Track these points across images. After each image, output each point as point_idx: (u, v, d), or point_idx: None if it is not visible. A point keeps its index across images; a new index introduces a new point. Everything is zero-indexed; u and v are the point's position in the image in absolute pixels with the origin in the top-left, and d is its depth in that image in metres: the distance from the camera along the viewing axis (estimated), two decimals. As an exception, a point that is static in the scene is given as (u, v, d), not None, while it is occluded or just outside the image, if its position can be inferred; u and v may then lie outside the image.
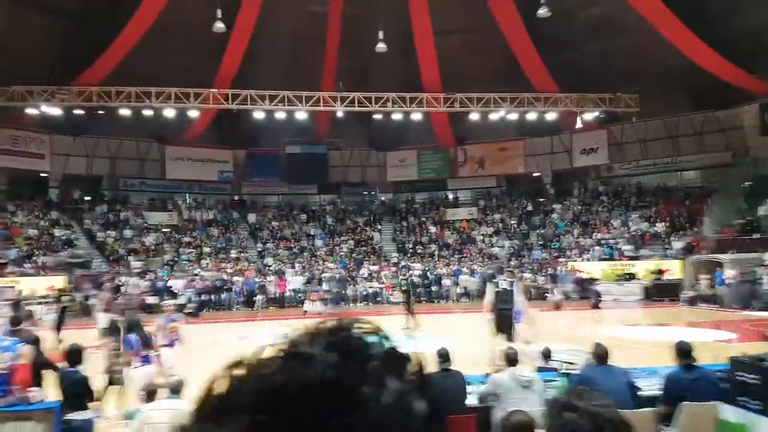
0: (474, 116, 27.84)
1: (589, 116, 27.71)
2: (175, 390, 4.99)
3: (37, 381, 5.90)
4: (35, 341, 6.17)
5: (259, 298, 24.38)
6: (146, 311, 23.82)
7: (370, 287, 26.27)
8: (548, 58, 26.16)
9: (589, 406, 1.20)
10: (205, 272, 26.23)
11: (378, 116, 27.70)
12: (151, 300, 24.44)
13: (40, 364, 6.07)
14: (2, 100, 24.13)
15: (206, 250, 29.23)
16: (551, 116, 27.83)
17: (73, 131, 29.25)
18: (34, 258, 25.09)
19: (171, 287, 24.36)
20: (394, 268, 27.96)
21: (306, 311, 19.94)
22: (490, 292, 9.87)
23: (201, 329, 17.80)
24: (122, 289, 24.53)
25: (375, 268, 27.96)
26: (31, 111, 25.03)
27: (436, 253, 30.22)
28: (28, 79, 23.95)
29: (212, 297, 24.21)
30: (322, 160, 33.74)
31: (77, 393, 5.53)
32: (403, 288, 18.14)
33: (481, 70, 27.20)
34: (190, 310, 21.14)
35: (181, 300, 24.07)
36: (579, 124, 28.02)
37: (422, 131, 30.82)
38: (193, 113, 26.57)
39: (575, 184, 33.14)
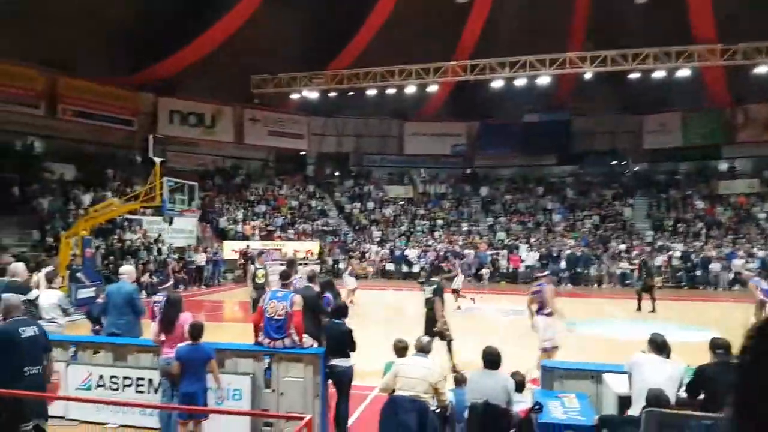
0: (761, 70, 22.87)
1: None
2: (424, 349, 5.35)
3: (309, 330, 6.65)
4: (316, 295, 7.08)
5: (485, 271, 24.26)
6: (385, 277, 26.08)
7: (619, 268, 23.93)
8: None
9: None
10: (438, 244, 27.14)
11: (633, 76, 24.70)
12: (390, 267, 26.44)
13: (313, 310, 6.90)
14: (271, 87, 28.36)
15: (439, 222, 30.21)
16: None
17: (327, 113, 33.04)
18: (296, 225, 29.17)
19: (407, 256, 25.83)
20: (648, 248, 24.93)
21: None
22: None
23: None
24: (366, 255, 27.11)
25: (623, 246, 25.35)
26: (293, 96, 28.86)
27: (703, 232, 26.01)
28: (288, 68, 27.69)
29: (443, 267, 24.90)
30: (563, 128, 31.68)
31: (341, 342, 6.14)
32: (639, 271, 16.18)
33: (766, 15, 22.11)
34: (422, 279, 22.03)
35: (415, 269, 25.55)
36: None
37: (688, 91, 26.53)
38: (432, 88, 27.36)
39: None
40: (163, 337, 6.10)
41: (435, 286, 9.04)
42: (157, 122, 28.28)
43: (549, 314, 8.41)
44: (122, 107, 26.49)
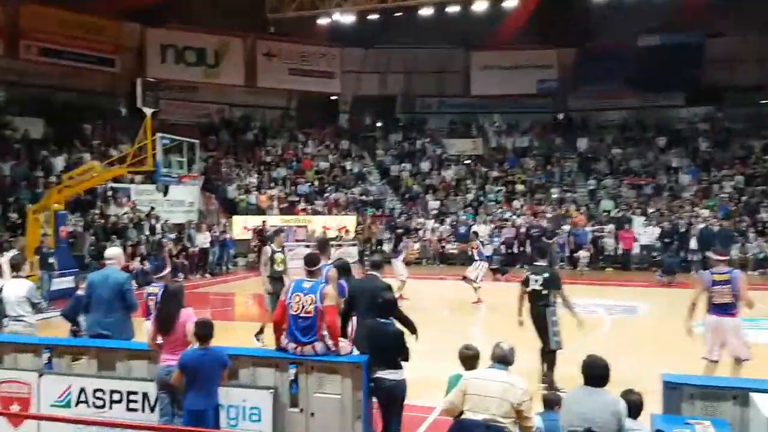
0: None
1: None
2: (504, 358, 5.27)
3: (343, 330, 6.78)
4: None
5: (583, 254, 23.90)
6: (445, 263, 26.10)
7: (768, 247, 23.14)
8: None
9: None
10: (518, 217, 26.86)
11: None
12: (452, 249, 26.42)
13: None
14: (291, 10, 28.31)
15: (519, 187, 29.88)
16: None
17: (365, 43, 32.93)
18: (326, 194, 29.44)
19: (476, 233, 25.68)
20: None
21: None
22: None
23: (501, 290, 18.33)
24: (419, 234, 27.15)
25: (774, 218, 24.42)
26: (321, 21, 28.72)
27: None
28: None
29: (524, 249, 24.67)
30: (695, 55, 30.49)
31: (388, 348, 6.17)
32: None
33: None
34: (496, 266, 21.94)
35: (486, 251, 25.42)
36: None
37: None
38: (510, 3, 26.68)
39: None
40: (160, 340, 6.27)
41: (547, 274, 8.93)
42: (146, 61, 28.93)
43: (734, 313, 8.16)
44: (101, 42, 27.17)
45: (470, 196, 29.73)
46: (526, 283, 8.98)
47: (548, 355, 8.79)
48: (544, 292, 8.80)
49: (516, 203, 28.64)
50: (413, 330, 7.08)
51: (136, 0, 26.74)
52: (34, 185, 20.76)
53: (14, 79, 25.50)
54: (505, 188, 30.08)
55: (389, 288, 7.17)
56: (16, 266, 8.07)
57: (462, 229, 26.10)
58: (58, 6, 25.32)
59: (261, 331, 10.99)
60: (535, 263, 9.43)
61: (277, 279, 10.88)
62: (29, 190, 20.41)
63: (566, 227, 25.31)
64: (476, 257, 17.17)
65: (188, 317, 6.18)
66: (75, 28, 26.15)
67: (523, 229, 25.45)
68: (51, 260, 16.32)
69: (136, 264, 18.90)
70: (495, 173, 31.31)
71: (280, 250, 11.33)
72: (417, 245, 26.11)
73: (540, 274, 8.93)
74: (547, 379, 8.68)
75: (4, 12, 24.07)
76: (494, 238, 25.40)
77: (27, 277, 8.34)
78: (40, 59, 25.24)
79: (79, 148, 23.89)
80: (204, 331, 5.77)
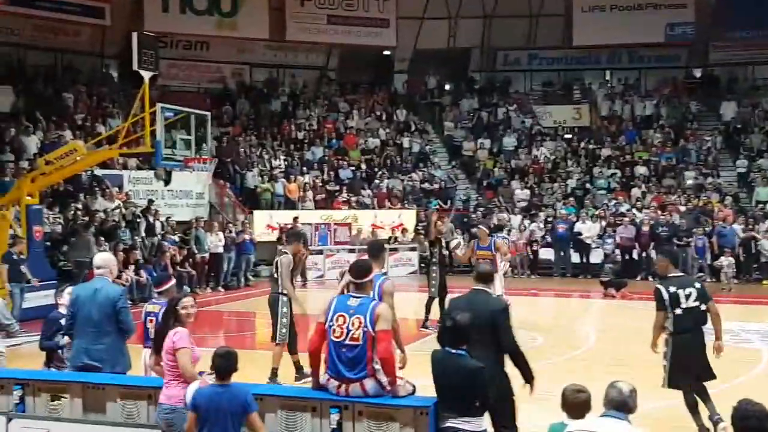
0: None
1: None
2: (623, 404, 5.23)
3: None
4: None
5: (726, 261, 23.25)
6: (538, 273, 25.84)
7: None
8: None
9: None
10: (639, 211, 26.42)
11: None
12: (546, 254, 26.13)
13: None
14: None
15: (640, 170, 29.48)
16: None
17: (430, -22, 32.96)
18: (376, 182, 29.52)
19: (579, 234, 25.41)
20: None
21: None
22: None
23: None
24: (504, 232, 26.86)
25: None
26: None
27: None
28: None
29: (647, 255, 24.19)
30: None
31: (463, 389, 6.10)
32: None
33: None
34: (608, 278, 21.66)
35: (594, 258, 25.06)
36: None
37: None
38: None
39: None
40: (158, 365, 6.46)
41: (698, 285, 8.80)
42: (143, 11, 29.42)
43: None
44: (87, -13, 27.68)
45: (572, 183, 29.44)
46: (663, 301, 8.61)
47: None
48: (702, 307, 8.58)
49: (636, 192, 28.22)
50: (528, 376, 6.89)
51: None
52: (0, 171, 21.27)
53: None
54: (620, 172, 29.69)
55: (505, 309, 7.05)
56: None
57: (561, 228, 25.79)
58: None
59: (298, 368, 11.02)
60: (670, 275, 8.95)
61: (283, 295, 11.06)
62: (-6, 178, 20.88)
63: (721, 224, 24.71)
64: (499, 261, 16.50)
65: (179, 339, 6.29)
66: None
67: (645, 228, 24.95)
68: (23, 269, 16.64)
69: (128, 274, 19.25)
70: (606, 151, 30.92)
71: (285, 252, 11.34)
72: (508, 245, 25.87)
73: (689, 286, 8.71)
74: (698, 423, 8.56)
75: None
76: (606, 239, 25.03)
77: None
78: (6, 9, 25.84)
79: (57, 125, 24.36)
80: (224, 364, 5.84)
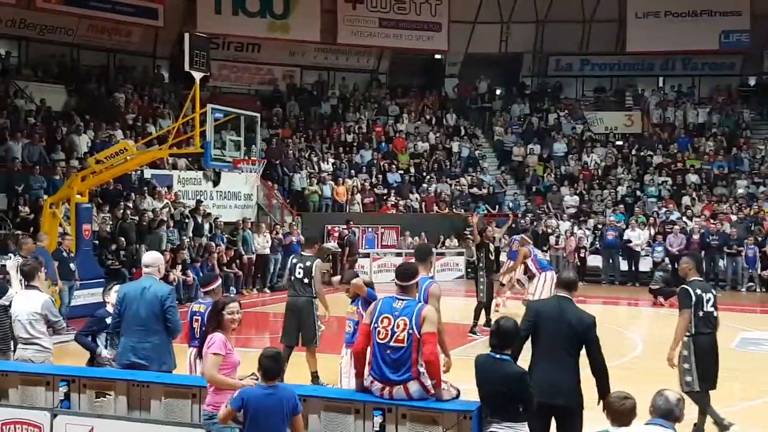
0: None
1: None
2: (669, 413, 5.20)
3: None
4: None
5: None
6: (586, 280, 25.58)
7: None
8: None
9: None
10: (690, 219, 26.11)
11: None
12: (594, 260, 25.91)
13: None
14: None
15: (692, 178, 29.18)
16: None
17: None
18: (425, 185, 29.51)
19: (629, 242, 25.14)
20: None
21: None
22: None
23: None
24: (551, 240, 26.66)
25: None
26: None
27: None
28: None
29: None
30: None
31: (507, 395, 6.08)
32: None
33: None
34: (657, 286, 21.41)
35: (643, 266, 24.77)
36: None
37: None
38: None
39: None
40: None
41: (714, 293, 9.05)
42: (196, 12, 29.71)
43: None
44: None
45: (622, 190, 29.22)
46: (690, 300, 8.71)
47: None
48: (716, 314, 8.87)
49: (687, 200, 27.92)
50: (604, 387, 6.69)
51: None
52: (51, 171, 21.36)
53: (28, 34, 26.72)
54: (671, 180, 29.42)
55: (595, 323, 6.86)
56: (29, 274, 8.36)
57: (610, 236, 25.56)
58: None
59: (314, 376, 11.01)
60: (692, 278, 9.09)
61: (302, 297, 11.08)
62: (45, 177, 20.91)
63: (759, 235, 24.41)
64: (533, 270, 16.56)
65: (212, 345, 6.28)
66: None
67: (696, 237, 24.63)
68: (72, 266, 16.82)
69: (176, 274, 19.42)
70: (658, 158, 30.66)
71: (308, 257, 11.29)
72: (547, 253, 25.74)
73: (709, 291, 8.95)
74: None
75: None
76: (656, 247, 24.74)
77: (42, 288, 8.59)
78: (61, 9, 26.26)
79: (109, 124, 24.65)
80: (270, 365, 5.84)
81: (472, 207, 28.61)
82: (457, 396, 6.48)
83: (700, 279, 9.25)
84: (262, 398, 5.77)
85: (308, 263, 11.09)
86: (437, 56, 35.20)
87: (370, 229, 25.99)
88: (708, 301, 8.81)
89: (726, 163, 29.90)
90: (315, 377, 10.88)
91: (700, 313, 8.76)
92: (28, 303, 8.05)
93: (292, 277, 11.28)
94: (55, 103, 25.26)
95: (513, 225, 26.46)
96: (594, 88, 35.22)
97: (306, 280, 11.06)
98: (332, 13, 32.19)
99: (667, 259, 24.38)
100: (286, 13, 31.39)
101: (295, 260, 11.45)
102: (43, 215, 18.02)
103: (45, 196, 18.90)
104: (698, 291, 8.82)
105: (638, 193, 29.07)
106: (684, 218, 26.44)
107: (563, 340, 6.63)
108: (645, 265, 24.77)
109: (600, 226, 26.81)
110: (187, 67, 17.30)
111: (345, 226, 24.85)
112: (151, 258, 8.20)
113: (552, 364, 6.38)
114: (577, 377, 6.74)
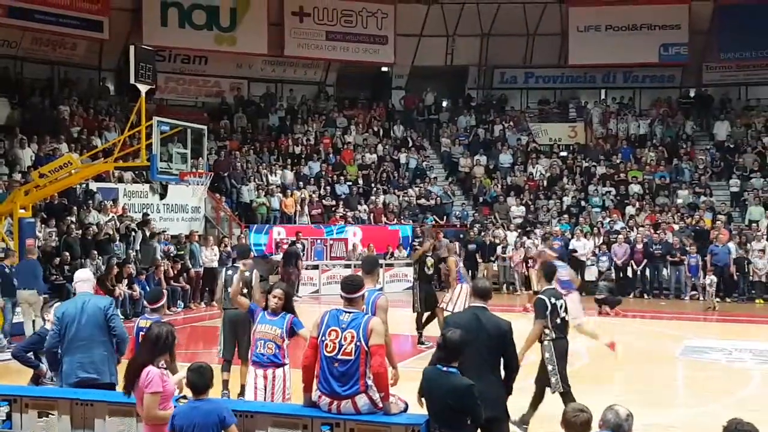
0: None
1: None
2: (617, 428, 5.25)
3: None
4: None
5: (709, 280, 23.20)
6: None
7: None
8: None
9: None
10: (633, 229, 26.38)
11: None
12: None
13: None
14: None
15: (634, 189, 29.44)
16: None
17: (428, -6, 32.94)
18: (372, 197, 29.49)
19: (574, 251, 25.30)
20: None
21: None
22: None
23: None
24: (497, 251, 26.80)
25: None
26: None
27: None
28: None
29: (641, 273, 24.15)
30: None
31: (455, 408, 6.06)
32: None
33: None
34: (603, 295, 21.58)
35: (589, 275, 24.96)
36: None
37: None
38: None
39: None
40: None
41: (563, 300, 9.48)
42: (142, 24, 29.38)
43: None
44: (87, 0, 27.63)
45: (567, 200, 29.46)
46: (546, 309, 9.15)
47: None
48: (567, 318, 9.67)
49: (630, 210, 28.24)
50: (510, 385, 7.00)
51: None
52: (-7, 184, 21.17)
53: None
54: (615, 190, 29.73)
55: (509, 330, 6.92)
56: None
57: (556, 245, 25.67)
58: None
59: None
60: (548, 287, 9.63)
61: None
62: (-12, 191, 20.76)
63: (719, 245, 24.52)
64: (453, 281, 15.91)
65: (150, 382, 6.10)
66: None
67: (639, 246, 24.96)
68: (14, 283, 16.49)
69: (121, 289, 19.15)
70: (601, 169, 30.96)
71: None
72: (495, 267, 25.81)
73: (561, 299, 9.48)
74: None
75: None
76: (600, 257, 25.00)
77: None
78: (4, 21, 25.81)
79: (53, 137, 24.26)
80: (198, 380, 5.78)
81: (420, 218, 28.73)
82: (406, 409, 6.46)
83: (552, 287, 9.68)
84: (188, 412, 5.71)
85: (247, 274, 10.94)
86: (384, 69, 35.22)
87: (318, 241, 25.93)
88: (561, 306, 9.32)
89: (667, 173, 30.27)
90: (244, 390, 10.79)
91: (558, 320, 9.27)
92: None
93: (228, 290, 11.03)
94: (-2, 115, 24.85)
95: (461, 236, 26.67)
96: (538, 100, 35.43)
97: (244, 291, 10.89)
98: (279, 26, 32.08)
99: (612, 269, 24.74)
100: (232, 26, 31.22)
101: (230, 272, 11.21)
102: (-16, 231, 17.70)
103: (-13, 211, 18.49)
104: (552, 300, 9.26)
105: (583, 203, 29.31)
106: (627, 228, 26.76)
107: (484, 351, 6.71)
108: (591, 274, 24.95)
109: (546, 236, 26.88)
110: (132, 80, 17.11)
111: (294, 238, 24.77)
112: (82, 275, 8.20)
113: (476, 377, 6.34)
114: (501, 388, 6.87)
